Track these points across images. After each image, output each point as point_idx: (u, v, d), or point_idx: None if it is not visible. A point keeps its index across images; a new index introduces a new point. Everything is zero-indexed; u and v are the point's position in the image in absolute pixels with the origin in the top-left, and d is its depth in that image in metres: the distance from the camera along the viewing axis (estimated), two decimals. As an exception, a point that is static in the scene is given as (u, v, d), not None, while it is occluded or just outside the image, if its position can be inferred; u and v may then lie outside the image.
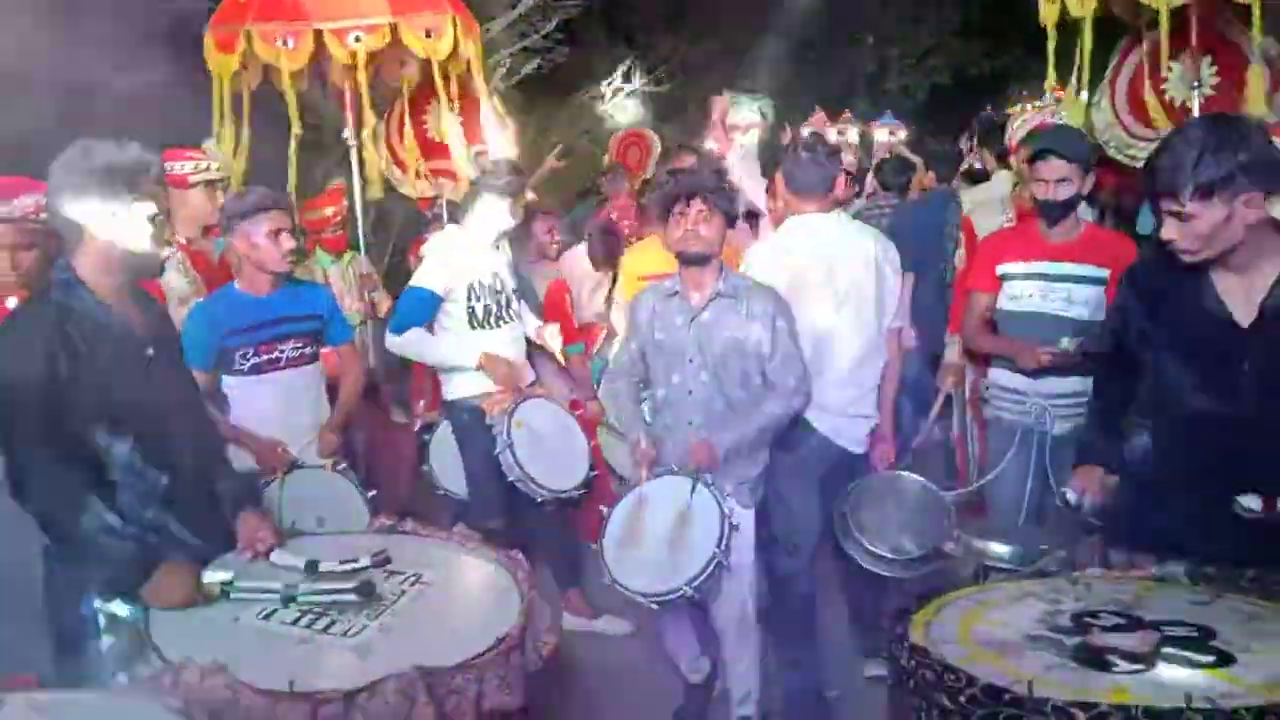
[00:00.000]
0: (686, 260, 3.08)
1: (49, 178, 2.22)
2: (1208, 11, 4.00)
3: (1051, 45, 4.15)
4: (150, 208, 2.23)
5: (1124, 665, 1.67)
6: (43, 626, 2.25)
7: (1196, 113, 4.07)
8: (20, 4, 4.78)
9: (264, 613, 2.17)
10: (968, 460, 4.18)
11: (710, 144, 5.04)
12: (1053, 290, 3.42)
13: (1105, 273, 3.31)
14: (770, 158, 4.27)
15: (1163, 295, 2.28)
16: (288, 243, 3.30)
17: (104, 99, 5.06)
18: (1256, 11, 3.69)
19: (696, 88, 12.57)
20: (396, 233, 5.88)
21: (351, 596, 2.19)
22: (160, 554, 2.18)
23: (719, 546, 2.82)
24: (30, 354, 2.12)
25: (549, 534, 3.92)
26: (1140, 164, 3.62)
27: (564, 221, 5.16)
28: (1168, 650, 1.70)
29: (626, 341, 3.31)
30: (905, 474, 3.43)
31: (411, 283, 3.86)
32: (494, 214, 3.83)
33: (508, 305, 3.90)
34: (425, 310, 3.80)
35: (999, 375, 3.57)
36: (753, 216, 4.30)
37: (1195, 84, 4.16)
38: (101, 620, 2.14)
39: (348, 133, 5.07)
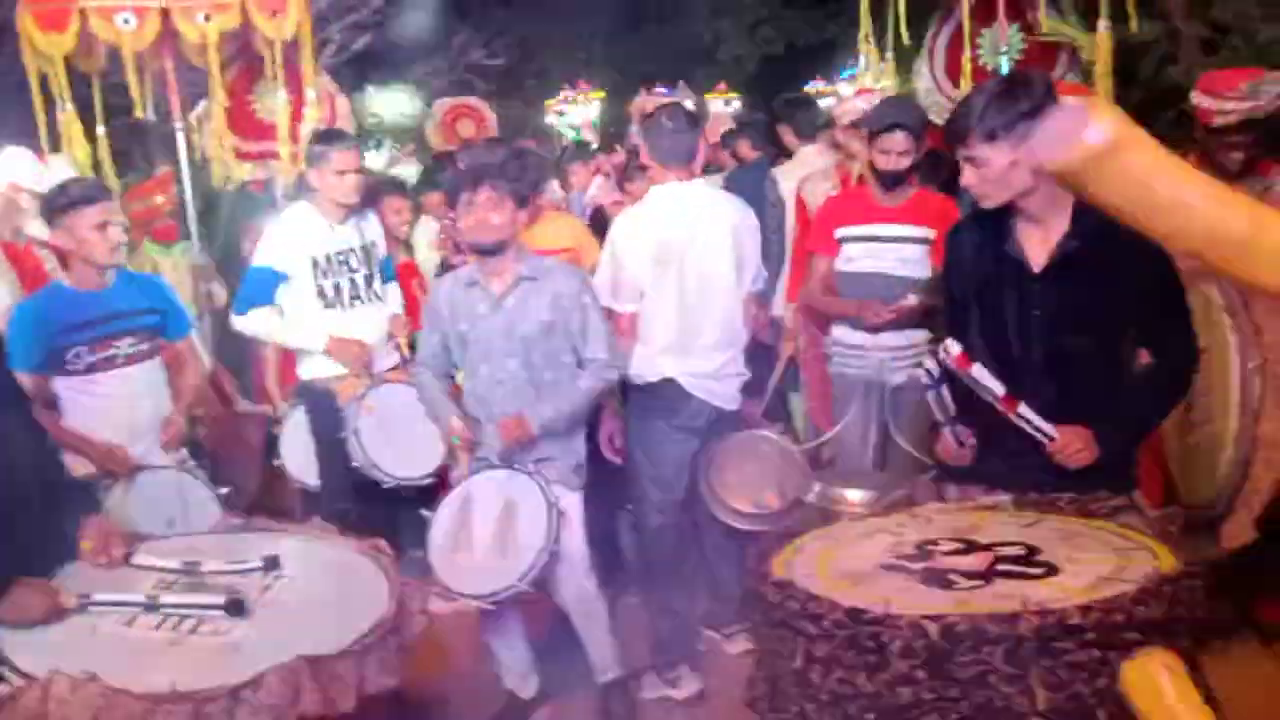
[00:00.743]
0: (480, 250, 3.01)
1: None
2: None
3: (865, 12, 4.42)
4: None
5: (965, 583, 1.82)
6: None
7: (1003, 76, 4.41)
8: None
9: (126, 620, 2.10)
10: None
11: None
12: (885, 251, 3.63)
13: (932, 233, 3.56)
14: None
15: (976, 246, 2.46)
16: (116, 235, 3.13)
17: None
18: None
19: (532, 62, 12.48)
20: (227, 220, 5.63)
21: (219, 611, 2.10)
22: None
23: (547, 538, 2.82)
24: None
25: (412, 518, 3.87)
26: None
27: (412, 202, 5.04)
28: (1001, 567, 1.87)
29: (428, 333, 3.20)
30: (761, 433, 3.58)
31: (252, 261, 3.73)
32: (330, 187, 3.67)
33: (367, 283, 3.78)
34: (267, 289, 3.67)
35: (841, 333, 3.77)
36: None
37: (1003, 49, 4.49)
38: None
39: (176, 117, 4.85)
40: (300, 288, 3.69)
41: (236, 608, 2.11)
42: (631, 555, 3.50)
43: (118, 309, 3.21)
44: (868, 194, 3.74)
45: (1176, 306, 2.35)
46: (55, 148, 4.57)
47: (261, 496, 4.09)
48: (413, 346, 3.84)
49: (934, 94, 4.76)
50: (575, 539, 3.03)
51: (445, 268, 4.39)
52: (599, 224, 4.60)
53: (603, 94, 16.73)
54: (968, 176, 2.32)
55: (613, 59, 16.87)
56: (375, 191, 4.29)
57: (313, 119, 4.91)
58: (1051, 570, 1.84)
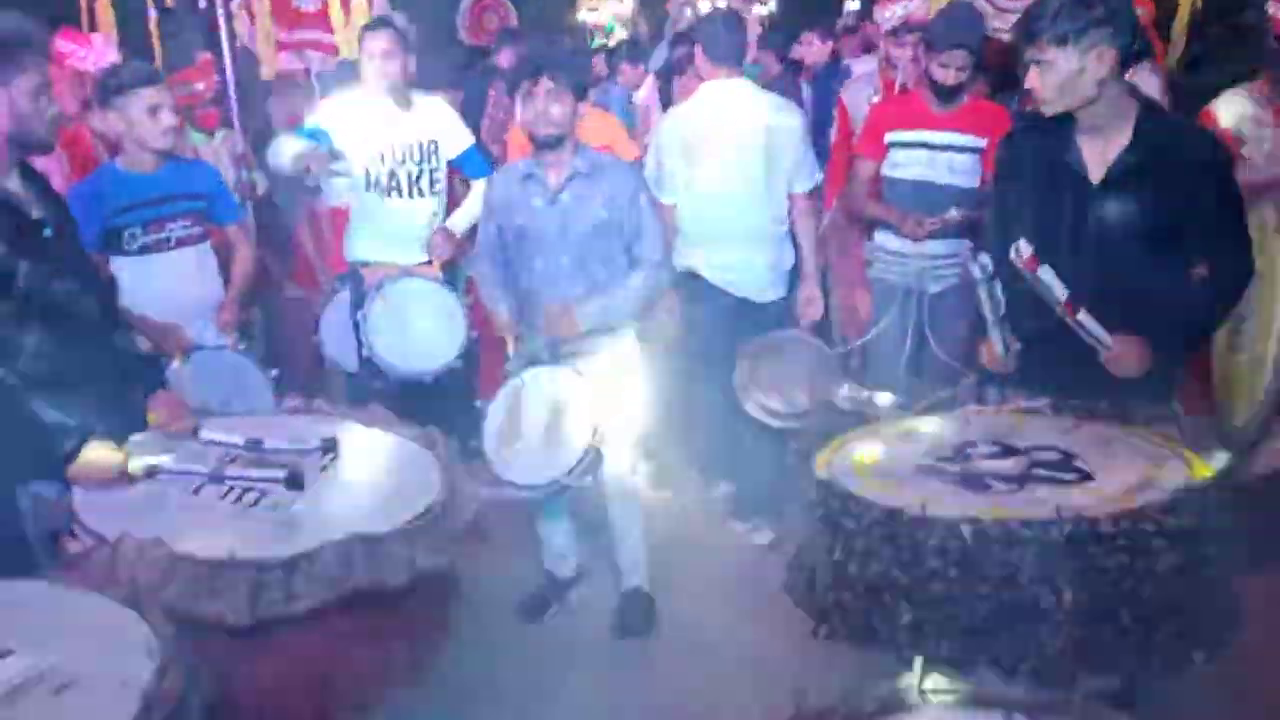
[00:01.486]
0: (539, 144, 3.01)
1: None
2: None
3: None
4: (34, 80, 2.13)
5: (1001, 486, 1.88)
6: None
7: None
8: None
9: (192, 489, 2.20)
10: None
11: None
12: (935, 159, 3.61)
13: (983, 142, 3.52)
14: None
15: (1032, 155, 2.45)
16: (167, 119, 3.16)
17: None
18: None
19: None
20: (259, 110, 5.63)
21: (280, 485, 2.20)
22: (80, 435, 2.17)
23: (593, 436, 2.87)
24: None
25: (447, 409, 3.96)
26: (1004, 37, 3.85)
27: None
28: (1037, 471, 1.93)
29: (484, 224, 3.23)
30: (796, 333, 3.63)
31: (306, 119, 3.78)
32: (373, 70, 3.65)
33: (415, 180, 3.77)
34: (309, 134, 3.64)
35: (884, 239, 3.78)
36: None
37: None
38: (27, 504, 2.14)
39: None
40: (354, 171, 3.72)
41: (295, 482, 2.21)
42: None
43: (168, 192, 3.26)
44: (920, 100, 3.68)
45: (1234, 220, 2.34)
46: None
47: (309, 379, 4.18)
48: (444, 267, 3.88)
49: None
50: (622, 437, 3.10)
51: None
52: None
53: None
54: (1033, 79, 2.30)
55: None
56: None
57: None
58: (1086, 476, 1.89)
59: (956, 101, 3.57)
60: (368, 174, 3.72)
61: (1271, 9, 3.34)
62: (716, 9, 3.79)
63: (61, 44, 3.57)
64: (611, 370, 3.07)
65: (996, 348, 2.43)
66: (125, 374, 2.43)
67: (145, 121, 3.12)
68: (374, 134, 3.69)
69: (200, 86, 4.55)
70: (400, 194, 3.77)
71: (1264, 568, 2.84)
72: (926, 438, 2.19)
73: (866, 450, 2.15)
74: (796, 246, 3.74)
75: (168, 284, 3.25)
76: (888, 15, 4.21)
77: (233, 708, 1.96)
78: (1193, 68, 4.94)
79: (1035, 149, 2.45)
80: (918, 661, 1.70)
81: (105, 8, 4.61)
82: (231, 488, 2.20)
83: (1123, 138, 2.29)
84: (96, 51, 3.91)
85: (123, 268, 3.21)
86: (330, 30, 5.01)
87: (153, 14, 4.72)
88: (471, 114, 5.16)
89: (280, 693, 2.03)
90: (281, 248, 4.80)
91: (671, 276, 3.17)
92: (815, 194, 3.83)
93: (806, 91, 5.76)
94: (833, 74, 5.79)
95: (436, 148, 3.80)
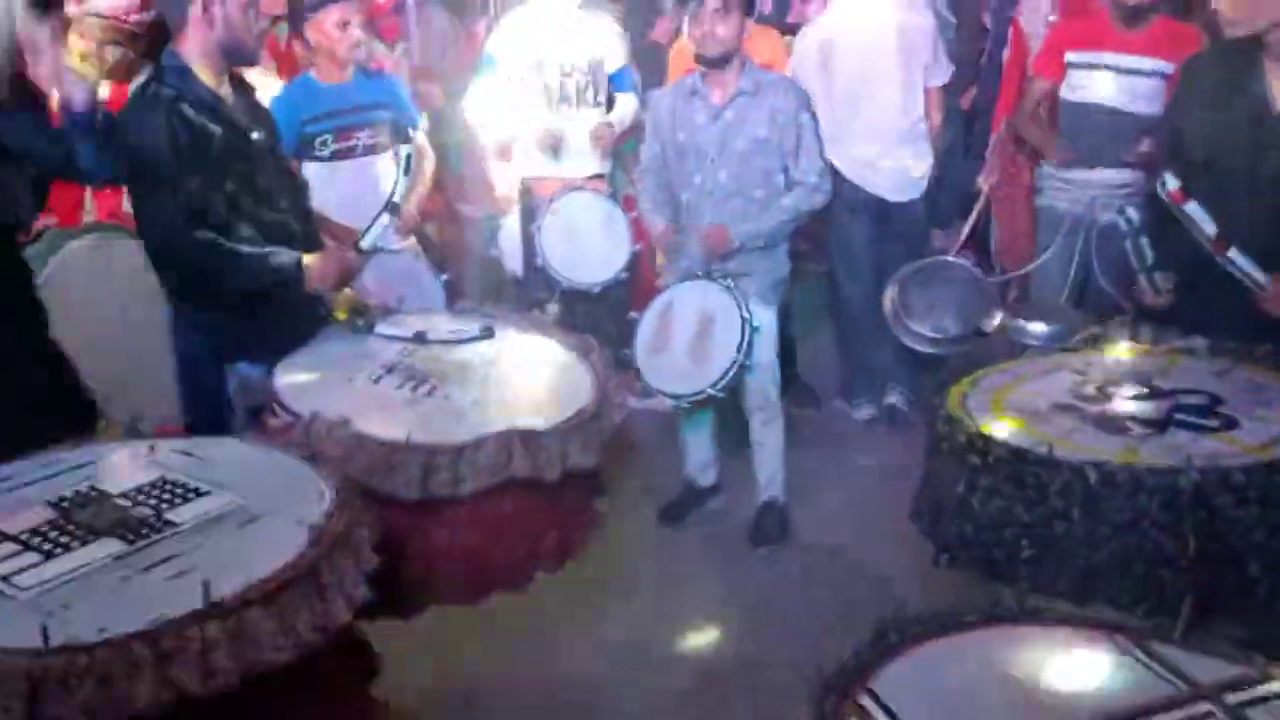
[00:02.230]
0: (706, 62, 3.04)
1: None
2: None
3: None
4: None
5: (1138, 429, 1.87)
6: (172, 389, 2.57)
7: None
8: None
9: (374, 377, 2.45)
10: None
11: None
12: (1119, 82, 3.42)
13: (1171, 67, 3.29)
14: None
15: (1216, 80, 2.34)
16: (356, 33, 3.36)
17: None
18: None
19: None
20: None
21: (477, 337, 2.55)
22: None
23: (739, 350, 2.95)
24: (154, 132, 2.30)
25: (605, 318, 4.13)
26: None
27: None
28: (1179, 416, 1.90)
29: (650, 141, 3.31)
30: (950, 258, 3.59)
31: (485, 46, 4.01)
32: None
33: (583, 90, 3.89)
34: (483, 70, 3.91)
35: (1055, 166, 3.63)
36: None
37: None
38: (231, 381, 2.44)
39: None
40: (527, 82, 3.88)
41: (489, 331, 2.55)
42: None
43: (357, 102, 3.48)
44: (1105, 19, 3.47)
45: None
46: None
47: (478, 286, 4.43)
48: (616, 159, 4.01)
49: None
50: (766, 351, 3.18)
51: None
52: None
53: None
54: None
55: None
56: None
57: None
58: (1230, 423, 1.86)
59: (1144, 22, 3.36)
60: (542, 88, 3.88)
61: None
62: None
63: None
64: (759, 286, 3.14)
65: (1147, 290, 2.36)
66: None
67: (336, 35, 3.34)
68: (547, 48, 3.84)
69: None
70: (570, 104, 3.91)
71: None
72: (1072, 374, 2.18)
73: (1007, 383, 2.17)
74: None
75: (354, 189, 3.48)
76: None
77: (401, 572, 2.23)
78: None
79: (1219, 75, 2.34)
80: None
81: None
82: (407, 379, 2.44)
83: None
84: None
85: (313, 172, 3.46)
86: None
87: None
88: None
89: (443, 564, 2.28)
90: (454, 160, 5.02)
91: (826, 198, 3.16)
92: (946, 90, 4.03)
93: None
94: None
95: (603, 61, 3.90)
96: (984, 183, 4.15)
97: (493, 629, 2.74)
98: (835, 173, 3.61)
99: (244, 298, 2.42)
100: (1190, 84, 2.44)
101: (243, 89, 2.57)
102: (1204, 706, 1.24)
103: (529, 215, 3.91)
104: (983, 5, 5.05)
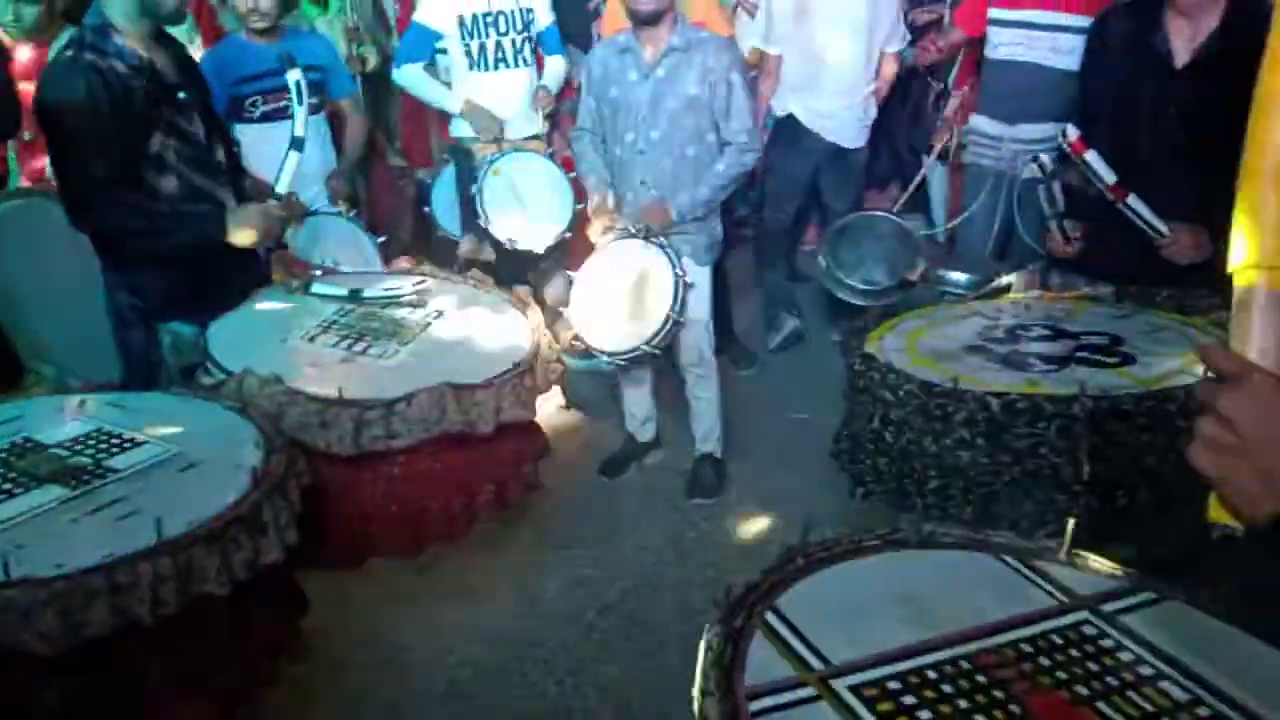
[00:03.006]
0: (638, 19, 3.02)
1: None
2: None
3: None
4: None
5: (1041, 366, 1.98)
6: (113, 348, 2.57)
7: None
8: None
9: (308, 335, 2.47)
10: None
11: None
12: (1038, 39, 3.50)
13: (1090, 22, 3.39)
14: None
15: (1122, 37, 2.43)
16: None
17: None
18: None
19: None
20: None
21: (414, 294, 2.60)
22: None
23: (673, 307, 2.97)
24: (74, 92, 2.28)
25: (543, 277, 4.15)
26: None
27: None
28: (1080, 354, 2.01)
29: (584, 97, 3.27)
30: (878, 212, 3.68)
31: (413, 17, 3.93)
32: None
33: (516, 48, 3.88)
34: (420, 47, 3.86)
35: (978, 121, 3.73)
36: None
37: None
38: (165, 339, 2.44)
39: None
40: (453, 48, 3.86)
41: (423, 293, 2.64)
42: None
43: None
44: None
45: None
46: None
47: (412, 244, 4.43)
48: (555, 126, 4.01)
49: None
50: (700, 310, 3.21)
51: None
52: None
53: None
54: None
55: None
56: None
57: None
58: (1127, 360, 1.97)
59: (1059, -23, 3.45)
60: (474, 50, 3.84)
61: None
62: None
63: None
64: (692, 245, 3.19)
65: (1057, 237, 2.46)
66: None
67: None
68: (480, 10, 3.80)
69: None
70: (506, 64, 3.88)
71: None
72: (983, 320, 2.28)
73: (922, 327, 2.26)
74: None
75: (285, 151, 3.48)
76: None
77: (338, 526, 2.27)
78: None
79: (1125, 30, 2.43)
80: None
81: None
82: (343, 336, 2.47)
83: (1212, 22, 2.25)
84: None
85: (244, 134, 3.44)
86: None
87: None
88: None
89: (379, 517, 2.32)
90: (388, 120, 4.98)
91: (756, 156, 3.20)
92: (899, 56, 4.22)
93: None
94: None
95: (533, 16, 3.90)
96: (937, 139, 4.26)
97: (429, 580, 2.80)
98: (793, 120, 4.00)
99: (171, 256, 2.42)
100: (1099, 38, 2.53)
101: (171, 46, 2.55)
102: (1081, 614, 1.34)
103: (467, 177, 3.90)
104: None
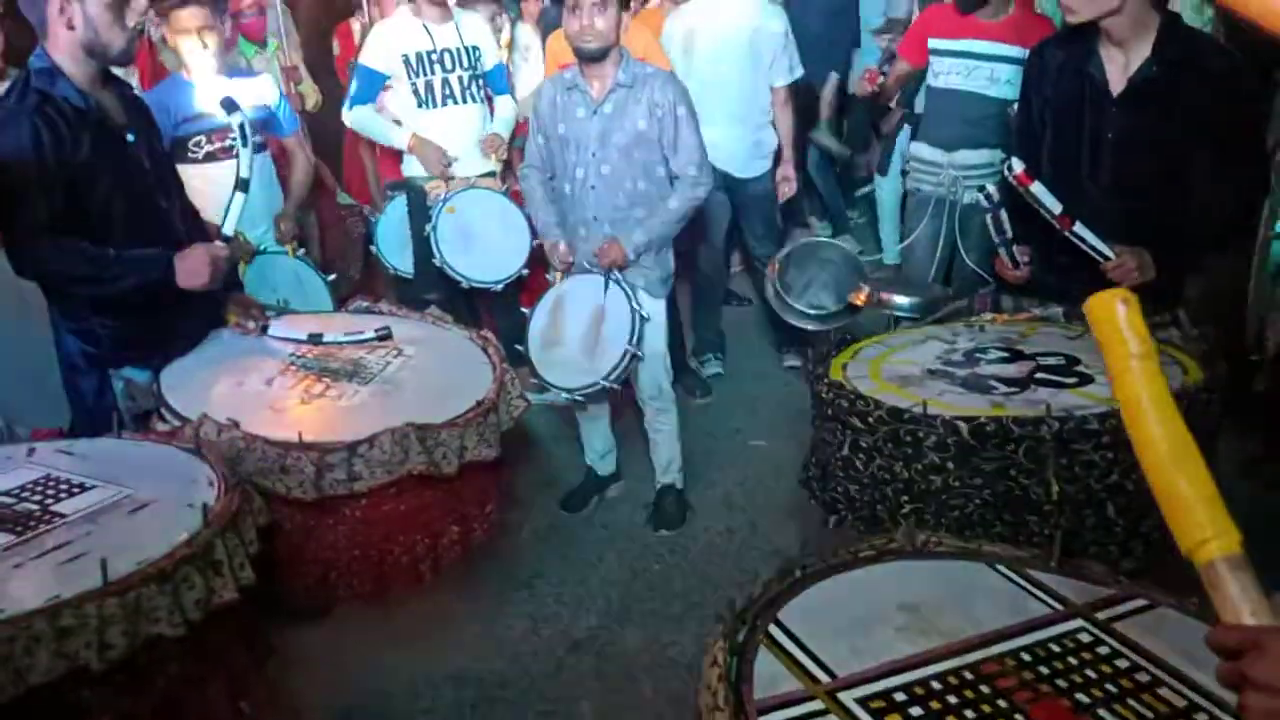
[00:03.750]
0: (584, 56, 3.04)
1: None
2: None
3: None
4: None
5: (1002, 389, 2.02)
6: (61, 394, 2.49)
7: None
8: None
9: (266, 379, 2.42)
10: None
11: None
12: (977, 68, 3.61)
13: (1027, 53, 3.51)
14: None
15: (1058, 67, 2.50)
16: (211, 39, 3.27)
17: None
18: None
19: None
20: (310, 21, 5.69)
21: (375, 338, 2.56)
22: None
23: (630, 341, 3.00)
24: (18, 138, 2.21)
25: (497, 314, 4.12)
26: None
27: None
28: (1039, 375, 2.06)
29: (533, 134, 3.27)
30: (826, 239, 3.76)
31: (359, 60, 3.93)
32: None
33: (463, 85, 3.88)
34: (368, 88, 3.87)
35: (919, 149, 3.82)
36: None
37: None
38: (118, 385, 2.37)
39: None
40: (399, 88, 3.86)
41: (386, 333, 2.56)
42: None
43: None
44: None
45: (1250, 134, 2.39)
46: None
47: (362, 283, 4.38)
48: (508, 164, 4.01)
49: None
50: (658, 343, 3.23)
51: None
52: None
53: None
54: None
55: None
56: None
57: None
58: (1085, 380, 2.02)
59: (995, 8, 3.56)
60: (421, 88, 3.84)
61: None
62: None
63: None
64: (647, 279, 3.20)
65: (1007, 264, 2.52)
66: None
67: (187, 41, 3.26)
68: (424, 49, 3.81)
69: (246, -3, 4.64)
70: (455, 100, 3.88)
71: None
72: (940, 344, 2.32)
73: (882, 354, 2.30)
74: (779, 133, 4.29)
75: (229, 191, 3.42)
76: None
77: (300, 573, 2.22)
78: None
79: (1060, 60, 2.50)
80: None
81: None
82: (301, 380, 2.42)
83: (1144, 50, 2.33)
84: None
85: (188, 175, 3.35)
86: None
87: None
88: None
89: (343, 563, 2.27)
90: (332, 159, 4.95)
91: (707, 189, 3.22)
92: (793, 89, 4.34)
93: None
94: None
95: (480, 55, 3.91)
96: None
97: (396, 624, 2.74)
98: None
99: (120, 300, 2.35)
100: (1036, 67, 2.61)
101: (119, 87, 2.49)
102: (1077, 622, 1.37)
103: (421, 215, 3.88)
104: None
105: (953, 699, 1.21)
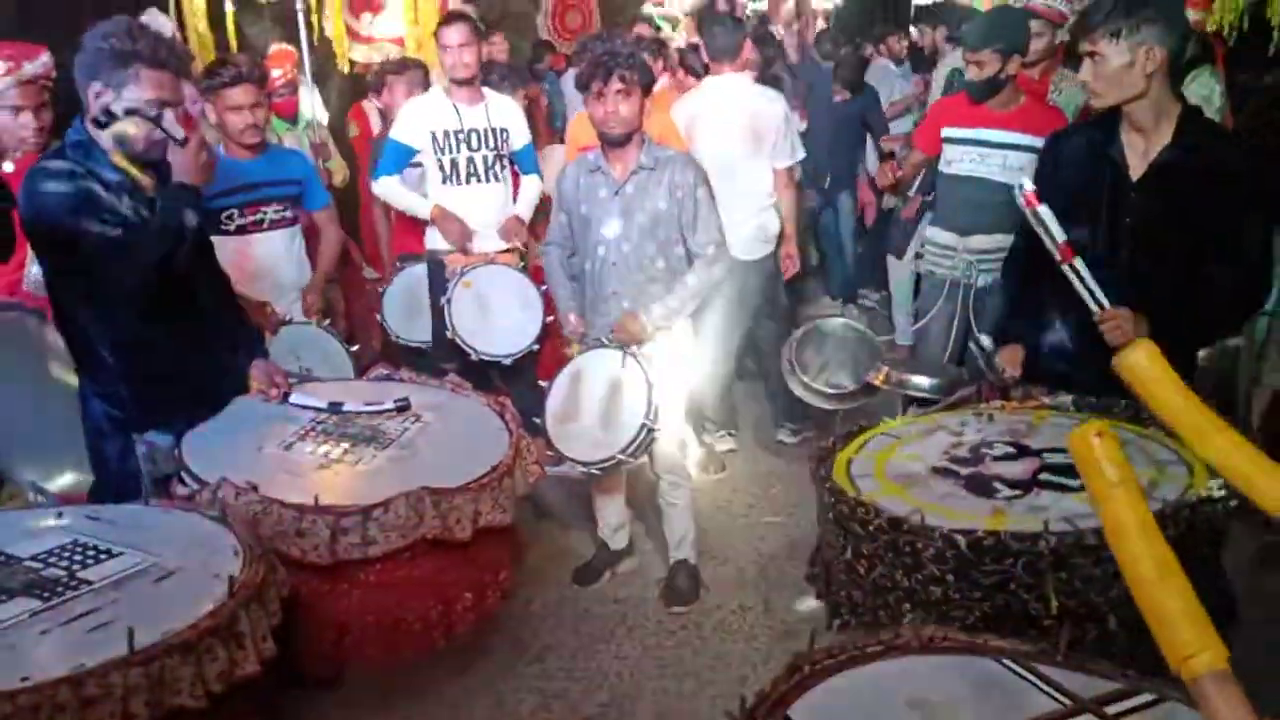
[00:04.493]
0: (608, 140, 3.14)
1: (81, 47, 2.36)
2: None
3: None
4: (144, 92, 2.35)
5: (1006, 491, 1.98)
6: (84, 459, 2.55)
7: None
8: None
9: (285, 444, 2.47)
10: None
11: None
12: (990, 156, 3.70)
13: (1039, 142, 3.59)
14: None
15: (1078, 151, 2.57)
16: (250, 116, 3.42)
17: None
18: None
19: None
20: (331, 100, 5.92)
21: (394, 409, 2.61)
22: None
23: (647, 416, 3.03)
24: (58, 202, 2.30)
25: (514, 386, 4.18)
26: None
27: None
28: (1043, 477, 2.02)
29: (555, 213, 3.39)
30: (841, 319, 3.81)
31: (390, 133, 4.07)
32: (447, 66, 3.91)
33: (487, 164, 4.00)
34: (394, 160, 4.01)
35: (934, 233, 3.89)
36: None
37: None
38: (141, 449, 2.43)
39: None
40: (427, 163, 4.00)
41: (405, 404, 2.62)
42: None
43: (265, 178, 3.52)
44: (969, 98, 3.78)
45: (1258, 229, 2.41)
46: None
47: (383, 353, 4.46)
48: (527, 248, 4.13)
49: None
50: (673, 418, 3.26)
51: None
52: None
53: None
54: (1085, 72, 2.43)
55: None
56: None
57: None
58: (1091, 484, 1.98)
59: (1006, 99, 3.65)
60: (447, 165, 3.97)
61: None
62: (718, 12, 4.23)
63: None
64: (666, 355, 3.25)
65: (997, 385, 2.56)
66: (231, 344, 2.73)
67: (233, 117, 3.40)
68: (452, 128, 3.95)
69: (276, 74, 4.80)
70: (478, 179, 4.01)
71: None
72: (948, 435, 2.29)
73: (889, 446, 2.27)
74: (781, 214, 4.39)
75: (260, 263, 3.53)
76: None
77: (313, 638, 2.24)
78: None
79: (1081, 144, 2.57)
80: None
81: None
82: (319, 444, 2.47)
83: (1165, 135, 2.39)
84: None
85: (220, 246, 3.47)
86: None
87: (229, 6, 4.99)
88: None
89: (355, 627, 2.29)
90: (352, 232, 5.07)
91: (725, 268, 3.30)
92: (794, 170, 4.51)
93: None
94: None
95: (508, 136, 4.04)
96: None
97: (406, 696, 2.75)
98: None
99: (147, 365, 2.44)
100: (1054, 153, 2.67)
101: (158, 167, 2.56)
102: (1085, 718, 1.36)
103: (439, 288, 3.97)
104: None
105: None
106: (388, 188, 4.06)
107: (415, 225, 4.23)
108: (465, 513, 2.33)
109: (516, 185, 4.21)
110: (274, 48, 5.09)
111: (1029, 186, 2.41)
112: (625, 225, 3.19)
